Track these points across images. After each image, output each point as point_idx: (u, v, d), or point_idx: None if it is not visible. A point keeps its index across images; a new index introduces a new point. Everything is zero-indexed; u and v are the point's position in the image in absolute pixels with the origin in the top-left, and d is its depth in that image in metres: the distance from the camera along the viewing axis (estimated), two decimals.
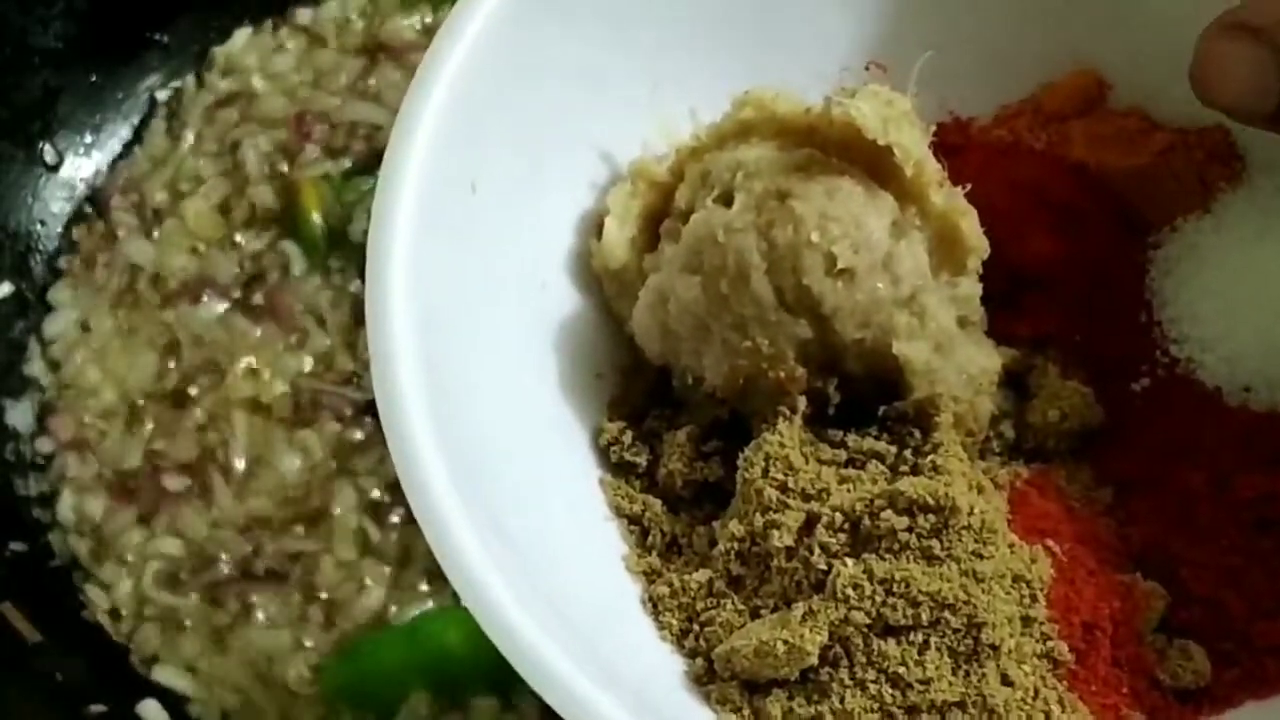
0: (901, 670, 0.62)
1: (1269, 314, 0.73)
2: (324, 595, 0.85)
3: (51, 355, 0.95)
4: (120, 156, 1.02)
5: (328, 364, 0.92)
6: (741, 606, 0.66)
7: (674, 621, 0.67)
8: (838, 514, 0.65)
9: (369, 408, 0.90)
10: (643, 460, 0.72)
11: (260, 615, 0.85)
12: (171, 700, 0.82)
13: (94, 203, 1.01)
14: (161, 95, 1.04)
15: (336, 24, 1.06)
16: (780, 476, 0.67)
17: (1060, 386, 0.74)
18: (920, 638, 0.62)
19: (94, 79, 1.02)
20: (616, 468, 0.72)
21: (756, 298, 0.67)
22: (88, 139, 1.02)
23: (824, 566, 0.64)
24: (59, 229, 1.00)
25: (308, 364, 0.92)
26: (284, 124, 1.01)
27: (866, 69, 0.80)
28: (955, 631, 0.63)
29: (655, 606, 0.67)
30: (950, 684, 0.62)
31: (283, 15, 1.06)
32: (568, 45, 0.74)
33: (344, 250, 0.95)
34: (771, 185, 0.68)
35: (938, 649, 0.62)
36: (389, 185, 0.67)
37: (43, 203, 1.00)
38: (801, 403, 0.69)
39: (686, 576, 0.67)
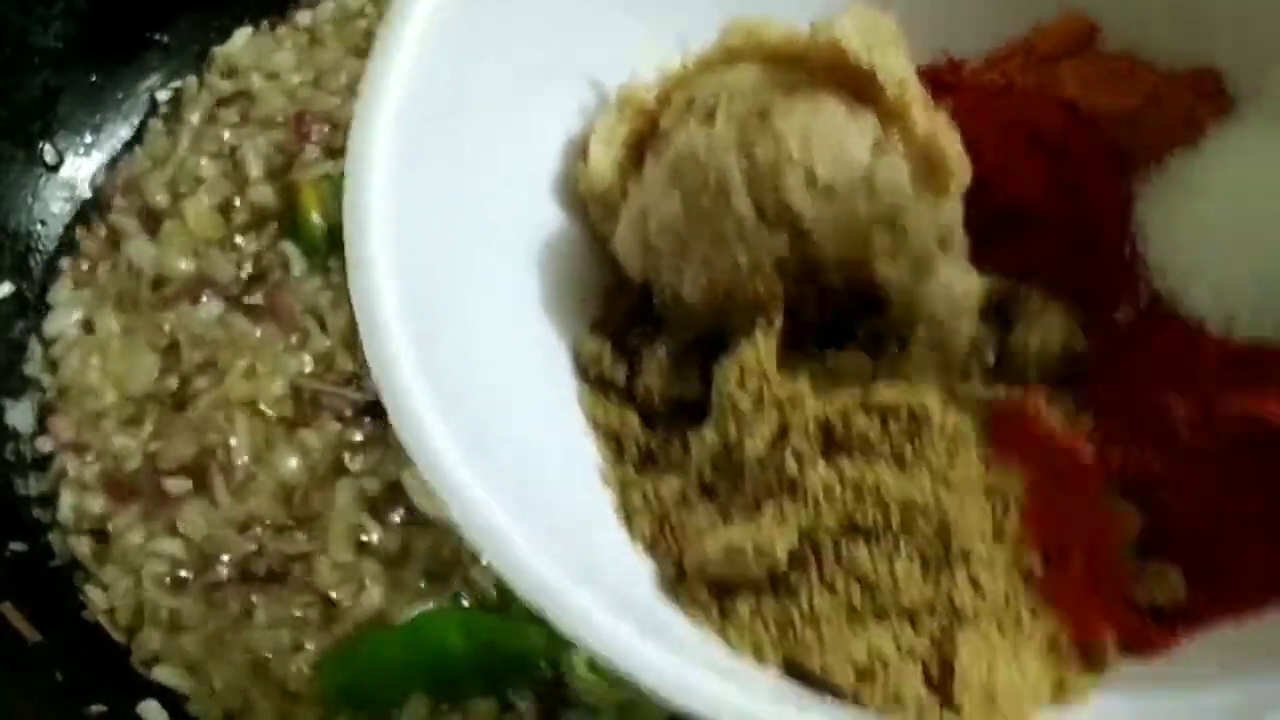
0: (871, 573, 0.63)
1: (1254, 245, 0.74)
2: (323, 595, 0.85)
3: (51, 355, 0.95)
4: (120, 156, 1.03)
5: (328, 364, 0.92)
6: (714, 513, 0.67)
7: (646, 529, 0.68)
8: (811, 421, 0.66)
9: (369, 408, 0.90)
10: (621, 376, 0.73)
11: (260, 615, 0.85)
12: (171, 700, 0.82)
13: (94, 203, 1.01)
14: (161, 95, 1.04)
15: (336, 24, 1.06)
16: (755, 386, 0.68)
17: (1043, 311, 0.75)
18: (890, 542, 0.63)
19: (94, 79, 1.03)
20: (596, 383, 0.73)
21: (737, 213, 0.68)
22: (88, 139, 1.02)
23: (796, 473, 0.65)
24: (59, 229, 1.00)
25: (308, 364, 0.92)
26: (284, 124, 1.01)
27: None
28: (926, 536, 0.63)
29: (628, 515, 0.68)
30: (920, 588, 0.63)
31: (283, 15, 1.07)
32: None
33: (344, 251, 0.95)
34: (754, 104, 0.69)
35: (908, 553, 0.63)
36: (371, 96, 0.68)
37: (43, 203, 1.00)
38: (779, 317, 0.70)
39: (660, 485, 0.68)
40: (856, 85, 0.70)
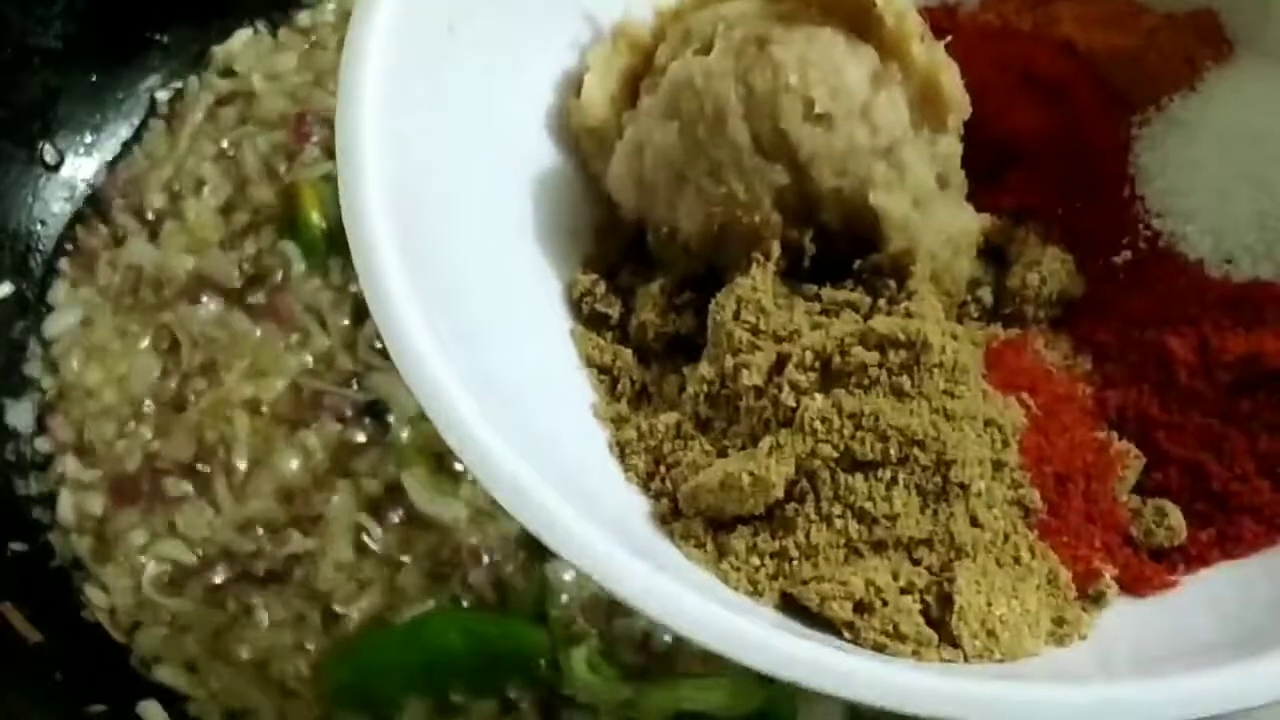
0: (868, 505, 0.63)
1: (1252, 187, 0.74)
2: (323, 595, 0.85)
3: (51, 355, 0.95)
4: (120, 156, 1.03)
5: (328, 364, 0.92)
6: (709, 448, 0.67)
7: (640, 464, 0.68)
8: (808, 353, 0.65)
9: (369, 408, 0.90)
10: (615, 312, 0.73)
11: (260, 615, 0.85)
12: (171, 700, 0.83)
13: (94, 203, 1.01)
14: (161, 95, 1.04)
15: (336, 25, 1.06)
16: (751, 319, 0.68)
17: (1041, 251, 0.75)
18: (888, 474, 0.63)
19: (94, 79, 1.02)
20: (589, 319, 0.73)
21: (733, 142, 0.68)
22: (88, 139, 1.02)
23: (793, 404, 0.64)
24: (59, 229, 1.00)
25: (308, 364, 0.92)
26: (284, 124, 1.01)
27: None
28: (924, 468, 0.63)
29: (622, 450, 0.68)
30: (918, 521, 0.63)
31: (283, 15, 1.06)
32: None
33: (344, 251, 0.94)
34: (751, 33, 0.69)
35: (906, 485, 0.63)
36: (363, 14, 0.67)
37: (43, 203, 1.00)
38: (776, 250, 0.69)
39: (654, 421, 0.68)
40: (854, 17, 0.70)
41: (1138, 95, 0.79)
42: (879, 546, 0.63)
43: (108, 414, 0.92)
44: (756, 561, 0.63)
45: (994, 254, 0.76)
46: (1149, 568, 0.68)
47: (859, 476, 0.63)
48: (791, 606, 0.62)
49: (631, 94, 0.75)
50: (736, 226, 0.69)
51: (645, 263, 0.75)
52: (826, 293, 0.71)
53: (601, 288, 0.73)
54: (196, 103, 1.04)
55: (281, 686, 0.83)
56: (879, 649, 0.61)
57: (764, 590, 0.62)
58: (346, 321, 0.93)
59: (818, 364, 0.65)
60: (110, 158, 1.02)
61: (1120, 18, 0.82)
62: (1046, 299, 0.74)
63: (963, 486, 0.63)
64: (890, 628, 0.61)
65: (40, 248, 0.99)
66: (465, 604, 0.83)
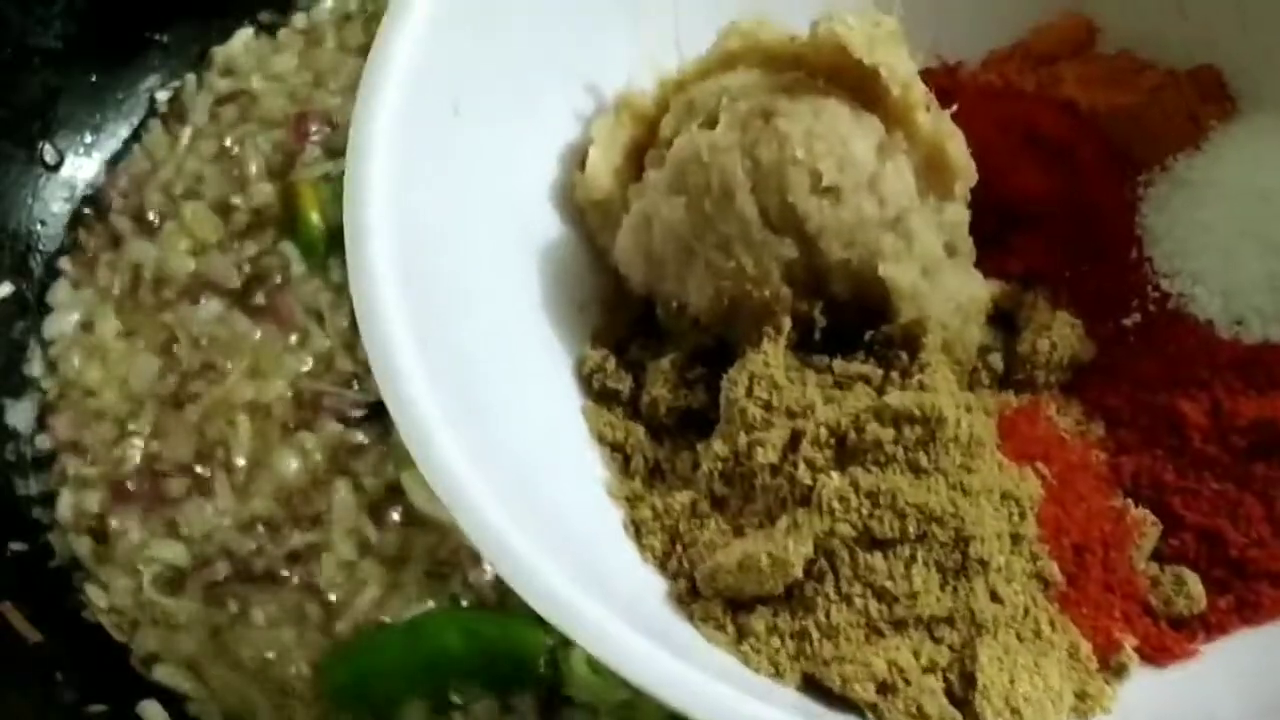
0: (888, 584, 0.62)
1: (1261, 247, 0.74)
2: (323, 595, 0.85)
3: (51, 355, 0.95)
4: (120, 156, 1.03)
5: (328, 364, 0.92)
6: (725, 526, 0.66)
7: (656, 544, 0.67)
8: (823, 429, 0.65)
9: (369, 409, 0.90)
10: (625, 388, 0.73)
11: (260, 615, 0.85)
12: (171, 700, 0.82)
13: (94, 203, 1.01)
14: (161, 95, 1.04)
15: (335, 24, 1.06)
16: (764, 395, 0.67)
17: (1050, 317, 0.75)
18: (907, 551, 0.63)
19: (94, 79, 1.02)
20: (599, 396, 0.73)
21: (741, 216, 0.68)
22: (88, 139, 1.02)
23: (809, 481, 0.64)
24: (59, 229, 1.00)
25: (308, 364, 0.92)
26: (284, 124, 1.01)
27: None
28: (943, 545, 0.63)
29: (638, 530, 0.68)
30: (938, 598, 0.63)
31: (283, 15, 1.06)
32: None
33: (344, 251, 0.95)
34: (756, 105, 0.69)
35: (925, 563, 0.63)
36: (368, 101, 0.67)
37: (43, 203, 1.00)
38: (786, 324, 0.69)
39: (669, 499, 0.68)
40: (859, 86, 0.70)
41: (1142, 154, 0.79)
42: (900, 625, 0.62)
43: (108, 414, 0.92)
44: (777, 643, 0.63)
45: (1003, 320, 0.76)
46: (1169, 637, 0.67)
47: (878, 555, 0.62)
48: (814, 687, 0.62)
49: (636, 166, 0.75)
50: (746, 301, 0.69)
51: (654, 336, 0.74)
52: (838, 365, 0.70)
53: (611, 363, 0.73)
54: (196, 103, 1.04)
55: (281, 686, 0.83)
56: None
57: (785, 672, 0.62)
58: (346, 322, 0.93)
59: (833, 441, 0.65)
60: (110, 158, 1.02)
61: (1122, 76, 0.81)
62: (1057, 364, 0.74)
63: (982, 562, 0.63)
64: (914, 708, 0.61)
65: (40, 248, 0.99)
66: (465, 604, 0.83)
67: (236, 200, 0.99)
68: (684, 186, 0.69)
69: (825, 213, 0.68)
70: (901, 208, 0.69)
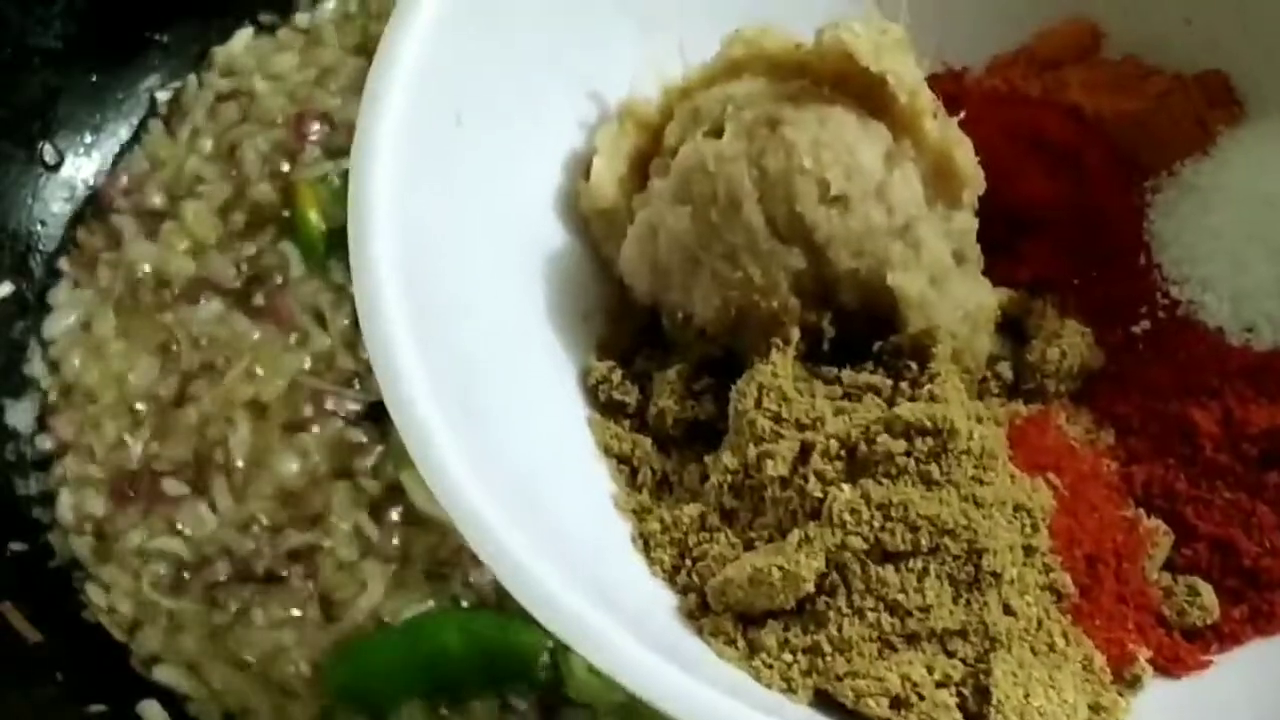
0: (900, 597, 0.62)
1: (1269, 253, 0.74)
2: (323, 595, 0.85)
3: (51, 355, 0.95)
4: (120, 156, 1.03)
5: (328, 364, 0.92)
6: (735, 540, 0.66)
7: (665, 557, 0.66)
8: (833, 441, 0.64)
9: (369, 409, 0.90)
10: (632, 400, 0.72)
11: (259, 615, 0.85)
12: (171, 700, 0.83)
13: (94, 203, 1.01)
14: (161, 95, 1.04)
15: (336, 24, 1.06)
16: (774, 407, 0.67)
17: (1059, 325, 0.74)
18: (920, 564, 0.62)
19: (94, 79, 1.02)
20: (605, 407, 0.72)
21: (748, 226, 0.67)
22: (88, 139, 1.02)
23: (820, 494, 0.64)
24: (59, 229, 1.00)
25: (308, 364, 0.92)
26: (284, 124, 1.01)
27: None
28: (955, 558, 0.62)
29: (646, 543, 0.67)
30: (951, 612, 0.62)
31: (283, 16, 1.06)
32: None
33: (344, 251, 0.94)
34: (762, 114, 0.68)
35: (938, 576, 0.62)
36: (372, 107, 0.67)
37: (43, 203, 1.00)
38: (795, 334, 0.69)
39: (678, 512, 0.67)
40: (865, 94, 0.70)
41: (1149, 159, 0.78)
42: (913, 639, 0.62)
43: (108, 414, 0.92)
44: (789, 658, 0.62)
45: (1012, 327, 0.75)
46: (1183, 648, 0.67)
47: (890, 568, 0.62)
48: (826, 703, 0.62)
49: (641, 174, 0.75)
50: (754, 311, 0.69)
51: (660, 346, 0.74)
52: (847, 375, 0.70)
53: (618, 375, 0.72)
54: (196, 103, 1.04)
55: (281, 686, 0.83)
56: None
57: (798, 687, 0.61)
58: (346, 322, 0.93)
59: (843, 453, 0.64)
60: (110, 158, 1.02)
61: (1129, 81, 0.81)
62: (1067, 373, 0.73)
63: (995, 575, 0.62)
64: None
65: (40, 248, 0.99)
66: (465, 604, 0.83)
67: (236, 200, 0.99)
68: (689, 196, 0.68)
69: (833, 222, 0.67)
70: (910, 216, 0.69)
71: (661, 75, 0.76)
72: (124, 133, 1.03)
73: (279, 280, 0.95)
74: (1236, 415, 0.70)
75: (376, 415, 0.89)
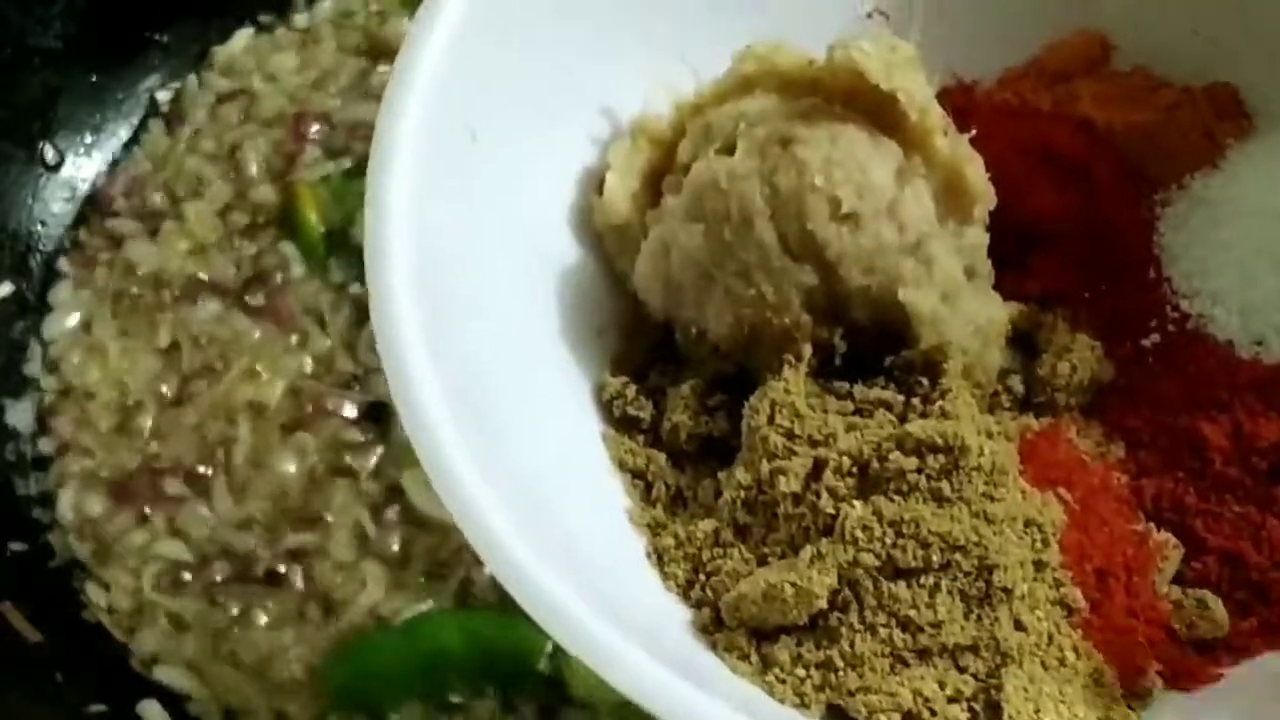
0: (912, 613, 0.62)
1: (1279, 266, 0.74)
2: (323, 595, 0.85)
3: (51, 355, 0.95)
4: (120, 156, 1.03)
5: (327, 365, 0.92)
6: (748, 555, 0.66)
7: (679, 572, 0.67)
8: (845, 458, 0.65)
9: (368, 409, 0.90)
10: (646, 415, 0.72)
11: (259, 615, 0.85)
12: (171, 700, 0.83)
13: (94, 203, 1.01)
14: (161, 95, 1.04)
15: (336, 24, 1.06)
16: (786, 423, 0.67)
17: (1070, 339, 0.75)
18: (931, 580, 0.62)
19: (94, 79, 1.03)
20: (619, 423, 0.73)
21: (760, 244, 0.68)
22: (88, 139, 1.02)
23: (832, 511, 0.64)
24: (59, 229, 1.00)
25: (307, 365, 0.92)
26: (284, 124, 1.01)
27: (869, 16, 0.81)
28: (967, 574, 0.63)
29: (660, 558, 0.68)
30: (962, 627, 0.62)
31: (282, 16, 1.06)
32: (567, 1, 0.74)
33: (344, 252, 0.95)
34: (774, 132, 0.69)
35: (949, 591, 0.63)
36: (388, 125, 0.67)
37: (43, 203, 1.00)
38: (807, 351, 0.69)
39: (692, 528, 0.68)
40: (876, 111, 0.70)
41: (1158, 172, 0.79)
42: (924, 654, 0.62)
43: (108, 414, 0.92)
44: (802, 673, 0.62)
45: (1022, 341, 0.76)
46: (1193, 661, 0.67)
47: (902, 584, 0.62)
48: (839, 718, 0.62)
49: (654, 190, 0.75)
50: (766, 328, 0.69)
51: (674, 362, 0.74)
52: (859, 391, 0.70)
53: (632, 390, 0.73)
54: (196, 103, 1.04)
55: (281, 686, 0.83)
56: None
57: (811, 702, 0.62)
58: (346, 322, 0.93)
59: (855, 470, 0.65)
60: (110, 158, 1.03)
61: (1138, 94, 0.81)
62: (1077, 386, 0.74)
63: (1006, 590, 0.63)
64: None
65: (40, 248, 0.99)
66: (465, 604, 0.83)
67: (236, 201, 0.99)
68: (702, 213, 0.69)
69: (845, 239, 0.68)
70: (921, 233, 0.69)
71: (673, 92, 0.77)
72: (124, 133, 1.03)
73: (279, 280, 0.95)
74: (1246, 429, 0.71)
75: (376, 415, 0.89)
